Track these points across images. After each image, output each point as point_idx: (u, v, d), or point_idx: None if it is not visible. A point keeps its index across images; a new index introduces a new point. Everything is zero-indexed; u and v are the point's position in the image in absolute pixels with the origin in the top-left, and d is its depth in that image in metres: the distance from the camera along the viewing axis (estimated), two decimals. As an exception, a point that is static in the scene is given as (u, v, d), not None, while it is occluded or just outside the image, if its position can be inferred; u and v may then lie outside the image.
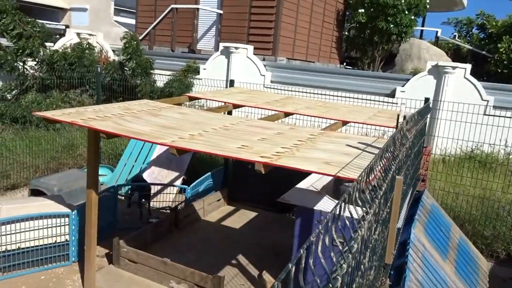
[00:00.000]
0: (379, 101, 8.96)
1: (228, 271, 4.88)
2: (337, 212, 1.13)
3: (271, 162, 2.75)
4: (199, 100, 8.42)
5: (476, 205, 6.19)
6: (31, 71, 9.42)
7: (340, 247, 1.14)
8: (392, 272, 3.81)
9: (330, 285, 0.94)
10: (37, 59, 9.24)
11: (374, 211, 1.50)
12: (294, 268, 0.87)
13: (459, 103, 6.90)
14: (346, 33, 16.38)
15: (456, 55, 16.96)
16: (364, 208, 1.43)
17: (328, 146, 3.34)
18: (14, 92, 9.07)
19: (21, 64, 9.15)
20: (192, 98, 5.77)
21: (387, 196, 2.41)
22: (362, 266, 1.65)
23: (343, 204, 1.18)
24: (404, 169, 3.25)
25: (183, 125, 3.73)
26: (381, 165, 2.16)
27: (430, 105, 6.67)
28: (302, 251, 0.90)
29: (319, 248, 0.97)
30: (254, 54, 10.54)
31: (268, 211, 6.68)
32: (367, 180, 1.61)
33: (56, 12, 21.65)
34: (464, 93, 8.48)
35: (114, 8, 21.23)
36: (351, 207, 1.51)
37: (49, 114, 3.58)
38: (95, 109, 4.01)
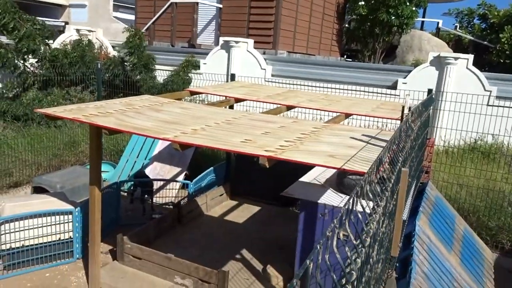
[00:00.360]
0: (381, 93, 8.91)
1: (232, 266, 4.87)
2: (350, 206, 1.10)
3: (275, 155, 2.72)
4: (200, 95, 8.38)
5: (481, 196, 6.16)
6: (32, 69, 9.39)
7: (355, 241, 1.11)
8: (397, 265, 3.79)
9: (344, 280, 0.92)
10: (38, 57, 9.20)
11: (383, 203, 1.47)
12: (311, 264, 0.84)
13: (462, 93, 6.85)
14: (347, 25, 16.28)
15: (458, 46, 16.84)
16: (375, 201, 1.40)
17: (332, 139, 3.31)
18: (15, 90, 9.05)
19: (22, 62, 9.12)
20: (193, 93, 5.74)
21: (393, 188, 2.38)
22: (370, 260, 1.63)
23: (355, 198, 1.16)
24: (409, 161, 3.22)
25: (185, 120, 3.70)
26: (388, 157, 2.13)
27: (433, 96, 6.63)
28: (319, 247, 0.88)
29: (334, 243, 0.94)
30: (255, 47, 10.48)
31: (271, 205, 6.67)
32: (377, 172, 1.58)
33: (55, 9, 21.58)
34: (467, 84, 8.43)
35: (113, 4, 21.13)
36: (359, 201, 1.49)
37: (51, 111, 3.55)
38: (96, 105, 3.98)
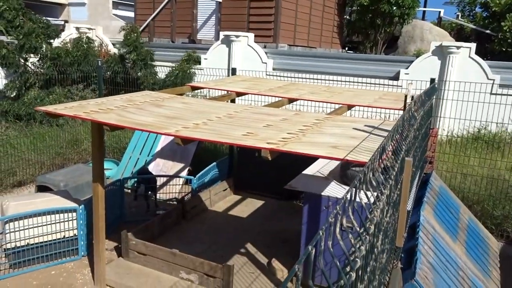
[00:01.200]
0: (383, 84, 8.85)
1: (237, 260, 4.87)
2: (353, 193, 1.08)
3: (277, 148, 2.71)
4: (202, 90, 8.36)
5: (485, 186, 6.13)
6: (33, 68, 9.39)
7: (358, 229, 1.10)
8: (403, 255, 3.78)
9: (348, 268, 0.90)
10: (40, 55, 9.19)
11: (387, 191, 1.46)
12: (314, 250, 0.83)
13: (465, 82, 6.79)
14: (347, 17, 16.17)
15: (460, 35, 16.71)
16: (378, 189, 1.38)
17: (335, 130, 3.29)
18: (17, 89, 9.05)
19: (23, 60, 9.11)
20: (194, 88, 5.72)
21: (397, 178, 2.36)
22: (375, 250, 1.62)
23: (358, 184, 1.14)
24: (413, 151, 3.20)
25: (186, 114, 3.68)
26: (391, 146, 2.11)
27: (436, 86, 6.58)
28: (321, 232, 0.87)
29: (337, 229, 0.93)
30: (255, 42, 10.43)
31: (274, 199, 6.67)
32: (380, 160, 1.56)
33: (55, 8, 21.55)
34: (470, 73, 8.36)
35: (113, 1, 21.07)
36: (361, 192, 1.47)
37: (52, 108, 3.54)
38: (97, 102, 3.96)
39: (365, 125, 3.47)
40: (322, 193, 4.07)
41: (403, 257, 3.80)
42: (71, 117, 3.55)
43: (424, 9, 17.46)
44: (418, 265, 3.51)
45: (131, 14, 17.99)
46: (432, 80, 6.30)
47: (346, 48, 16.35)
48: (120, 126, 3.25)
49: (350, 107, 4.75)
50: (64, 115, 3.47)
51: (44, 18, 9.71)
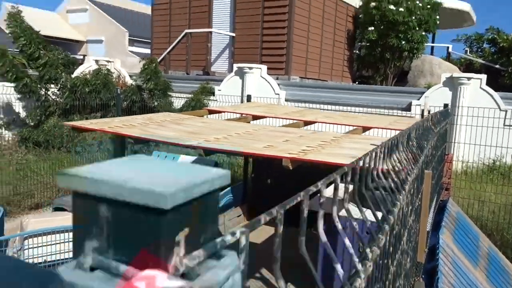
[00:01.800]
0: (396, 115, 8.94)
1: (252, 285, 4.80)
2: (375, 159, 1.12)
3: (298, 157, 2.76)
4: (218, 116, 8.52)
5: (503, 215, 6.05)
6: (53, 97, 9.71)
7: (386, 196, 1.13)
8: (423, 276, 3.72)
9: (385, 225, 0.94)
10: (59, 85, 9.54)
11: (408, 186, 1.49)
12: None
13: (478, 108, 6.84)
14: (357, 51, 16.54)
15: (469, 70, 16.90)
16: (401, 175, 1.42)
17: (353, 145, 3.34)
18: (38, 118, 9.34)
19: (44, 90, 9.45)
20: (211, 112, 5.86)
21: (418, 184, 2.39)
22: (402, 241, 1.64)
23: (380, 151, 1.18)
24: (431, 167, 3.23)
25: (206, 131, 3.78)
26: (410, 153, 2.15)
27: (449, 111, 6.64)
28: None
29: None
30: (268, 74, 10.68)
31: (289, 227, 6.61)
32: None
33: (74, 45, 22.44)
34: (481, 104, 8.41)
35: (129, 39, 21.89)
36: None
37: (79, 123, 3.68)
38: (121, 120, 4.10)
39: (383, 142, 3.52)
40: (339, 214, 4.07)
41: (424, 278, 3.73)
42: (97, 131, 3.67)
43: (433, 44, 17.80)
44: (440, 284, 3.45)
45: (146, 51, 18.63)
46: (445, 106, 6.37)
47: (357, 82, 16.62)
48: (144, 138, 3.35)
49: (365, 129, 4.82)
50: (90, 129, 3.59)
51: (62, 51, 10.15)
